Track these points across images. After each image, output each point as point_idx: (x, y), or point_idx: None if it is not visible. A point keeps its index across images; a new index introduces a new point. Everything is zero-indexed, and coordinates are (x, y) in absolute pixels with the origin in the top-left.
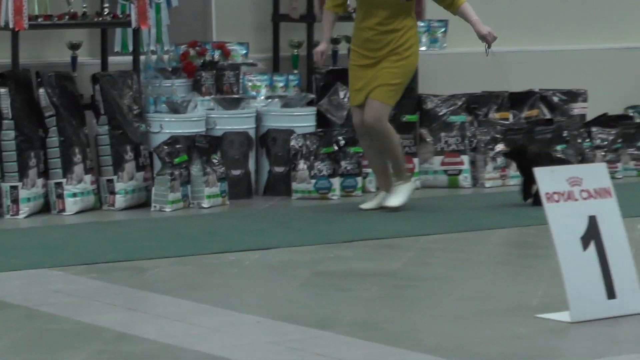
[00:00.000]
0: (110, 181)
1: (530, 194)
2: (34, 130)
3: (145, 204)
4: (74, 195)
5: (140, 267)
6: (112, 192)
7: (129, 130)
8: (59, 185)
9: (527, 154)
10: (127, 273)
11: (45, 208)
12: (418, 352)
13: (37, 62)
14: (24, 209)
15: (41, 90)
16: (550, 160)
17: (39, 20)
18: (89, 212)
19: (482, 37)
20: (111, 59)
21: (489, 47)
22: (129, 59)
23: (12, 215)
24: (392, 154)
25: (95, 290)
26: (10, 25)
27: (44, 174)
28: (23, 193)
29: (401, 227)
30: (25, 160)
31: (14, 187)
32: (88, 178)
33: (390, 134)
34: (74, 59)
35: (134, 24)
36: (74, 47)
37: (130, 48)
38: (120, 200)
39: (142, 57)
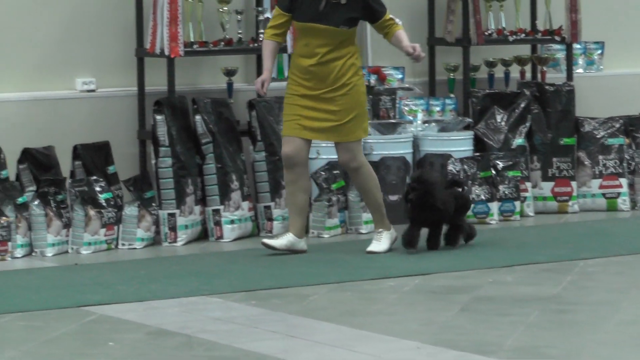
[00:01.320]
0: (267, 208)
1: None
2: (190, 157)
3: None
4: (232, 222)
5: (299, 294)
6: (270, 219)
7: None
8: (216, 212)
9: None
10: (286, 300)
11: (203, 235)
12: None
13: (192, 89)
14: (182, 236)
15: (197, 117)
16: None
17: (194, 47)
18: (247, 238)
19: (409, 54)
20: None
21: (416, 61)
22: (284, 84)
23: (169, 242)
24: (372, 193)
25: (254, 317)
26: (166, 52)
27: (202, 201)
28: (181, 220)
29: (560, 251)
30: (182, 187)
31: (172, 215)
32: (245, 205)
33: (368, 169)
34: (229, 85)
35: (290, 50)
36: (230, 73)
37: (286, 74)
38: (278, 227)
39: None
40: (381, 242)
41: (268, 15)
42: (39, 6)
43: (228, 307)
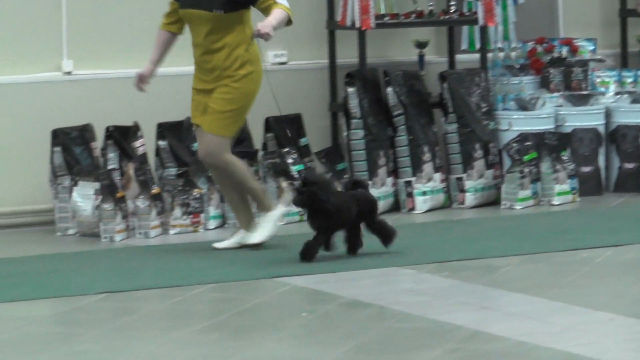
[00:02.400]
0: (459, 179)
1: None
2: (382, 129)
3: (494, 202)
4: (424, 193)
5: (490, 266)
6: (462, 190)
7: (477, 128)
8: (408, 184)
9: None
10: (478, 271)
11: (395, 207)
12: None
13: (383, 61)
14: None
15: (389, 89)
16: None
17: (385, 19)
18: (439, 210)
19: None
20: (458, 57)
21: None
22: (476, 56)
23: None
24: (244, 186)
25: (446, 288)
26: (357, 25)
27: (394, 172)
28: (374, 192)
29: None
30: (374, 159)
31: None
32: (437, 176)
33: (232, 168)
34: (421, 57)
35: (480, 22)
36: (421, 45)
37: (478, 46)
38: (470, 198)
39: (489, 55)
40: (259, 231)
41: None
42: None
43: (420, 279)
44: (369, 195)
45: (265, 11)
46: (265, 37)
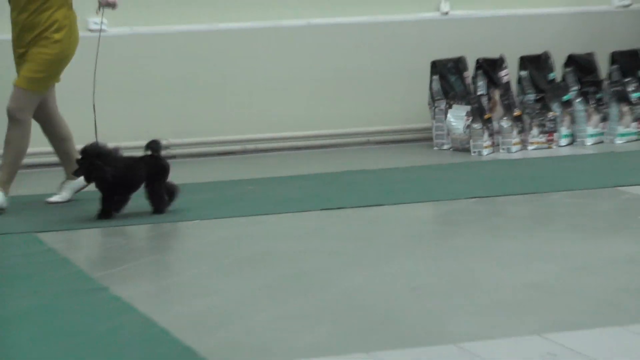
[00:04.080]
0: None
1: None
2: None
3: None
4: None
5: None
6: None
7: None
8: None
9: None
10: None
11: None
12: None
13: None
14: None
15: None
16: None
17: None
18: None
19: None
20: None
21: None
22: None
23: None
24: (10, 151)
25: None
26: None
27: None
28: None
29: None
30: None
31: None
32: None
33: (21, 128)
34: None
35: None
36: None
37: None
38: None
39: None
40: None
41: None
42: None
43: None
44: (160, 159)
45: None
46: (113, 6)
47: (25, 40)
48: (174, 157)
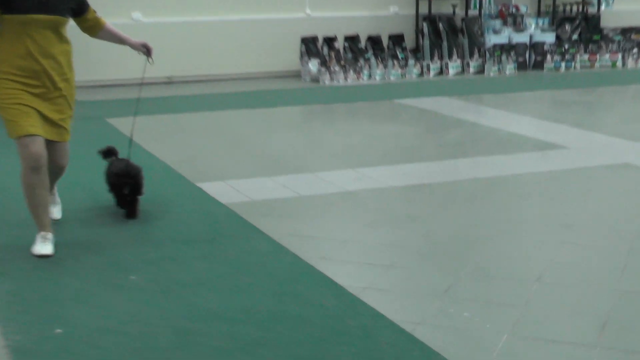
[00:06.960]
0: None
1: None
2: None
3: None
4: None
5: None
6: None
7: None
8: None
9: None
10: None
11: None
12: None
13: None
14: None
15: None
16: None
17: None
18: None
19: (140, 49)
20: None
21: (150, 56)
22: None
23: None
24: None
25: None
26: None
27: None
28: None
29: None
30: None
31: None
32: None
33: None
34: None
35: None
36: None
37: None
38: None
39: None
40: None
41: None
42: None
43: None
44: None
45: (87, 22)
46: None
47: (43, 84)
48: None
